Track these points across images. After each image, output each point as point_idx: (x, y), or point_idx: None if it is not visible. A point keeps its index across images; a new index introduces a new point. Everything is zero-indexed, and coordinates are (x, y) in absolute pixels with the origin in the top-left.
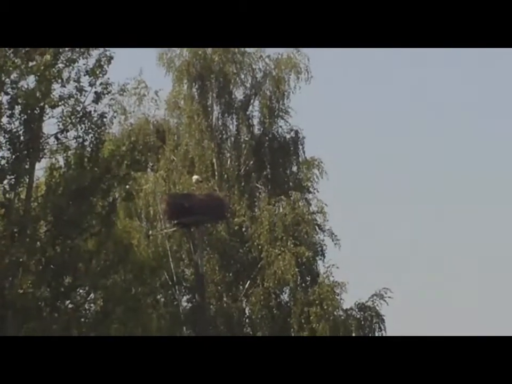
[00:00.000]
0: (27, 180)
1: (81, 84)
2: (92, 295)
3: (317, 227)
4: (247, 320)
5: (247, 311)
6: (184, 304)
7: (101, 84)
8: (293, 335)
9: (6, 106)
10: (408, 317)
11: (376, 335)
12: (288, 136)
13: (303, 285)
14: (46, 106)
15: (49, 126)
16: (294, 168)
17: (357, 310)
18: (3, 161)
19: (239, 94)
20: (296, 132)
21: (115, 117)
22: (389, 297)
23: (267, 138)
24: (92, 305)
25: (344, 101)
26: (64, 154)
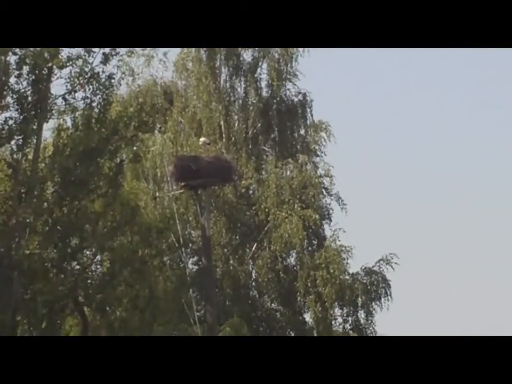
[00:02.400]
0: (35, 141)
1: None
2: (98, 257)
3: (324, 190)
4: (253, 283)
5: (253, 274)
6: (191, 266)
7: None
8: (299, 298)
9: (14, 67)
10: (415, 282)
11: (382, 300)
12: (296, 99)
13: (310, 248)
14: (54, 67)
15: (57, 86)
16: (302, 131)
17: (363, 274)
18: (11, 122)
19: (247, 56)
20: (304, 95)
21: (123, 78)
22: (396, 263)
23: (275, 101)
24: (99, 266)
25: (352, 64)
26: (72, 115)
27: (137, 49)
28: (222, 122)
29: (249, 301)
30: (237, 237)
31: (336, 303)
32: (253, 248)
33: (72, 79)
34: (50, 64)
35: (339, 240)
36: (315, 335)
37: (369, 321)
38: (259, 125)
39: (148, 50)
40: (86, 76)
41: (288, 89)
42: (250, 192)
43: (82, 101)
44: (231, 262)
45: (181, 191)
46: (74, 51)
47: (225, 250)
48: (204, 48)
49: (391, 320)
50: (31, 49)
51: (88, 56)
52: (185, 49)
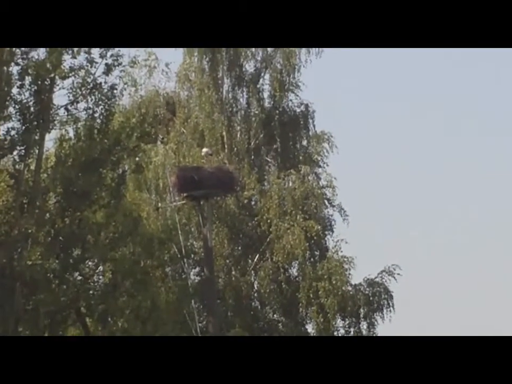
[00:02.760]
0: (37, 151)
1: (91, 55)
2: (100, 267)
3: (326, 201)
4: (255, 294)
5: (255, 285)
6: (193, 277)
7: (111, 55)
8: (301, 310)
9: (17, 77)
10: (417, 294)
11: (384, 311)
12: (298, 110)
13: (312, 259)
14: (57, 77)
15: (60, 97)
16: (304, 142)
17: (365, 285)
18: (13, 132)
19: (249, 67)
20: (307, 106)
21: (125, 89)
22: (398, 274)
23: (277, 111)
24: (101, 277)
25: (354, 75)
26: (74, 126)
27: (139, 59)
28: (224, 133)
29: (251, 312)
30: (239, 248)
31: (338, 314)
32: (255, 259)
33: (74, 89)
34: (52, 75)
35: (341, 251)
36: None
37: (372, 333)
38: (261, 135)
39: (150, 61)
40: (88, 87)
41: (291, 100)
42: (253, 203)
43: (85, 112)
44: (233, 272)
45: (183, 201)
46: (77, 62)
47: (227, 261)
48: (206, 59)
49: (393, 332)
50: (33, 59)
51: (91, 67)
52: (188, 60)
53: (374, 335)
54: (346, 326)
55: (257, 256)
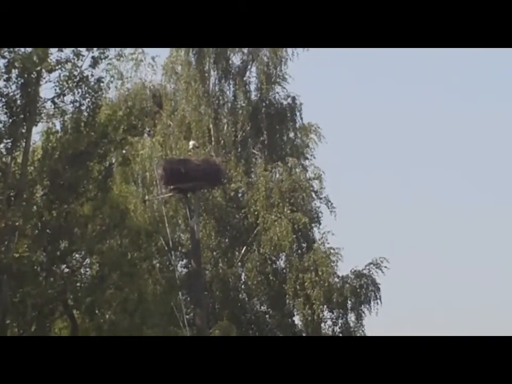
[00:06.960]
0: (24, 144)
1: (78, 48)
2: (87, 260)
3: (313, 194)
4: (242, 286)
5: (243, 277)
6: (180, 269)
7: (98, 48)
8: (288, 301)
9: (3, 70)
10: (404, 286)
11: (371, 303)
12: (285, 103)
13: (299, 251)
14: (43, 70)
15: (46, 90)
16: (291, 134)
17: (352, 277)
18: (0, 125)
19: (236, 59)
20: (293, 98)
21: (112, 82)
22: (385, 267)
23: (264, 104)
24: (88, 269)
25: (341, 67)
26: (61, 119)
27: (126, 53)
28: (211, 126)
29: (239, 304)
30: (226, 240)
31: (325, 306)
32: (242, 251)
33: (61, 82)
34: (39, 68)
35: (328, 243)
36: None
37: (359, 324)
38: (248, 128)
39: (136, 54)
40: (75, 80)
41: (277, 92)
42: (240, 195)
43: (71, 105)
44: (220, 265)
45: (170, 194)
46: (63, 55)
47: (215, 253)
48: (193, 52)
49: (380, 324)
50: (20, 52)
51: (77, 60)
52: (174, 53)
53: (362, 326)
54: (334, 318)
55: (244, 248)
